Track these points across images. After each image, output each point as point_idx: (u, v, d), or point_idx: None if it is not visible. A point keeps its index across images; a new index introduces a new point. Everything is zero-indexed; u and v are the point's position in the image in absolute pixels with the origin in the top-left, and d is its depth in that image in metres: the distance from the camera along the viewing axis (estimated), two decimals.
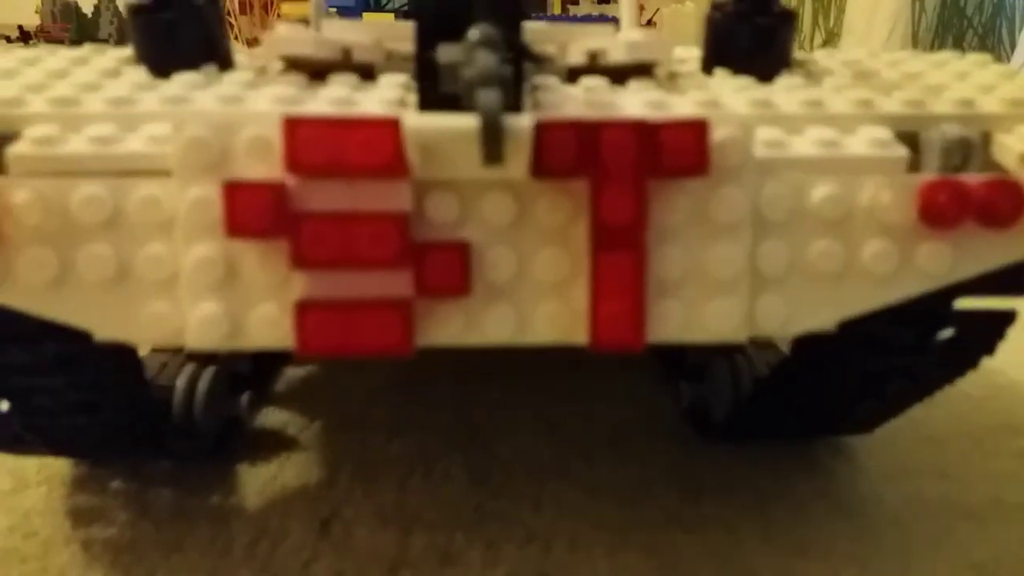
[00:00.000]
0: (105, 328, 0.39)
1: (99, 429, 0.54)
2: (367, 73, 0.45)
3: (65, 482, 0.62)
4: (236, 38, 3.37)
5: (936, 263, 0.40)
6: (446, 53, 0.38)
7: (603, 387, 0.76)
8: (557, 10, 2.65)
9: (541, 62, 0.41)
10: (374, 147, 0.35)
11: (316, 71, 0.45)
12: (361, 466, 0.65)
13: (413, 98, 0.40)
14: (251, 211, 0.36)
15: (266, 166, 0.36)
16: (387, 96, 0.41)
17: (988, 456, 0.68)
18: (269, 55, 0.45)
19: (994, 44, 2.26)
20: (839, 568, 0.54)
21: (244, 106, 0.40)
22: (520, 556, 0.55)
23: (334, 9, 1.08)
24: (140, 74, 0.44)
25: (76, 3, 3.75)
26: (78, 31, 3.99)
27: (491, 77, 0.34)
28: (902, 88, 0.44)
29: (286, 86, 0.42)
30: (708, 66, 0.47)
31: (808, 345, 0.48)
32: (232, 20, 3.33)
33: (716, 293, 0.39)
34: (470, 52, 0.36)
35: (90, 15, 3.61)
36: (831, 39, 2.91)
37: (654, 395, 0.75)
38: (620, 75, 0.45)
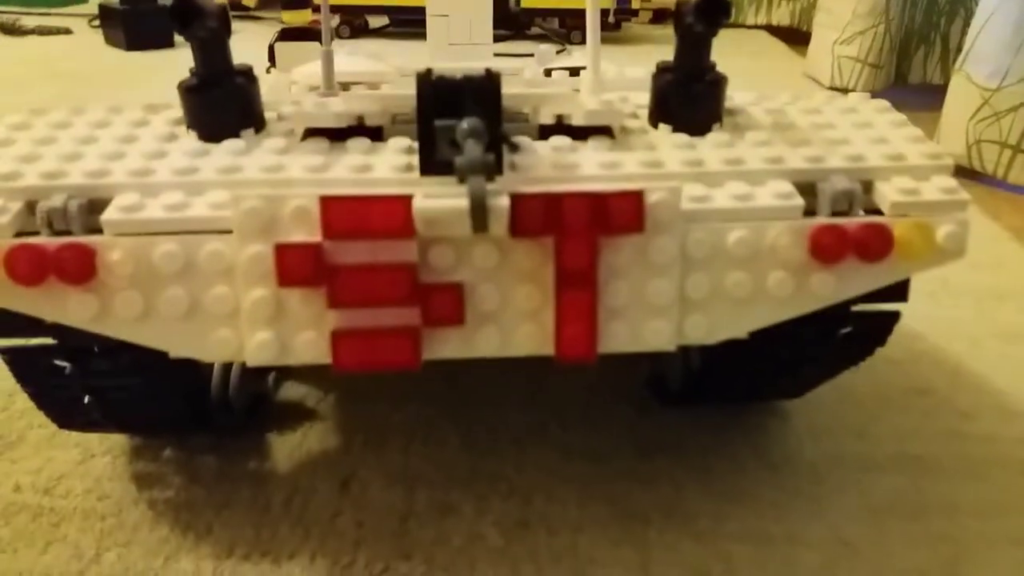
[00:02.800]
0: (179, 349, 0.51)
1: (161, 412, 0.66)
2: (376, 134, 0.55)
3: (125, 451, 0.74)
4: None
5: (824, 288, 0.52)
6: (442, 127, 0.49)
7: None
8: None
9: (517, 148, 0.51)
10: (390, 218, 0.46)
11: (335, 133, 0.55)
12: (371, 433, 0.77)
13: (416, 160, 0.51)
14: (296, 267, 0.47)
15: (306, 230, 0.47)
16: (396, 163, 0.52)
17: (897, 414, 0.81)
18: (298, 125, 0.55)
19: None
20: (762, 513, 0.67)
21: (284, 173, 0.51)
22: (505, 508, 0.68)
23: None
24: (192, 140, 0.54)
25: None
26: None
27: (477, 166, 0.45)
28: (808, 143, 0.55)
29: (313, 154, 0.52)
30: (654, 120, 0.57)
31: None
32: None
33: (653, 315, 0.50)
34: (462, 140, 0.47)
35: None
36: None
37: (619, 368, 0.86)
38: (582, 132, 0.55)
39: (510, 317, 0.50)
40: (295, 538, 0.64)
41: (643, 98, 0.60)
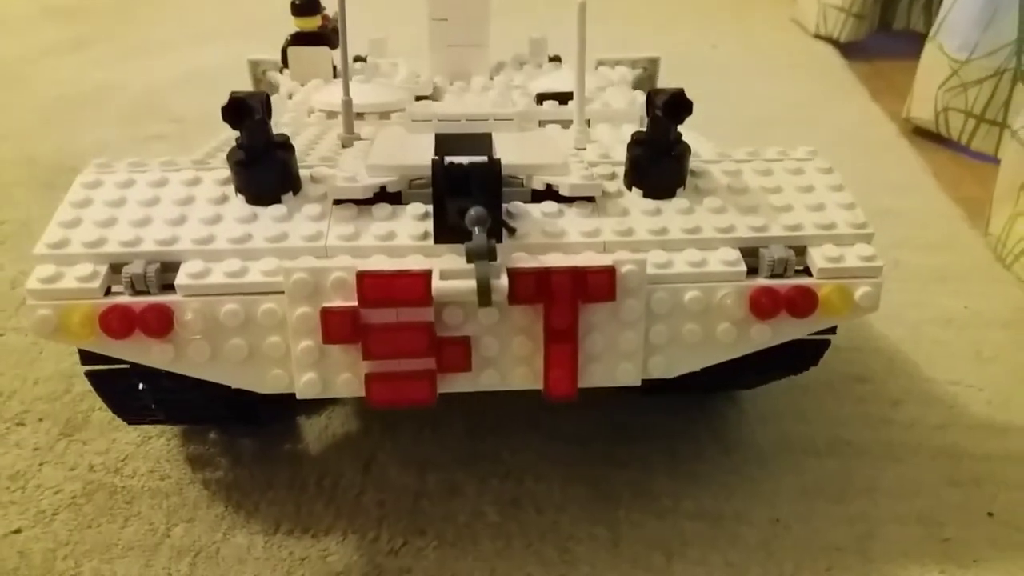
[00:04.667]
0: (240, 384, 0.63)
1: (220, 412, 0.78)
2: (395, 198, 0.66)
3: (176, 434, 0.86)
4: None
5: (762, 336, 0.64)
6: (452, 204, 0.60)
7: None
8: None
9: (514, 232, 0.62)
10: (412, 290, 0.58)
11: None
12: (386, 419, 0.89)
13: (430, 227, 0.62)
14: (337, 328, 0.59)
15: (344, 296, 0.59)
16: (414, 231, 0.63)
17: (837, 401, 0.94)
18: (329, 194, 0.65)
19: None
20: (715, 493, 0.81)
21: (322, 241, 0.62)
22: (501, 488, 0.81)
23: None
24: (241, 203, 0.65)
25: None
26: None
27: (483, 252, 0.56)
28: (756, 210, 0.66)
29: (345, 223, 0.63)
30: (628, 182, 0.68)
31: None
32: None
33: (622, 359, 0.63)
34: (470, 226, 0.58)
35: None
36: None
37: None
38: (568, 199, 0.66)
39: (508, 361, 0.62)
40: (328, 515, 0.78)
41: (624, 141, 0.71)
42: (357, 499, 0.80)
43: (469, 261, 0.57)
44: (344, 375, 0.61)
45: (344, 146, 0.76)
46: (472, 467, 0.83)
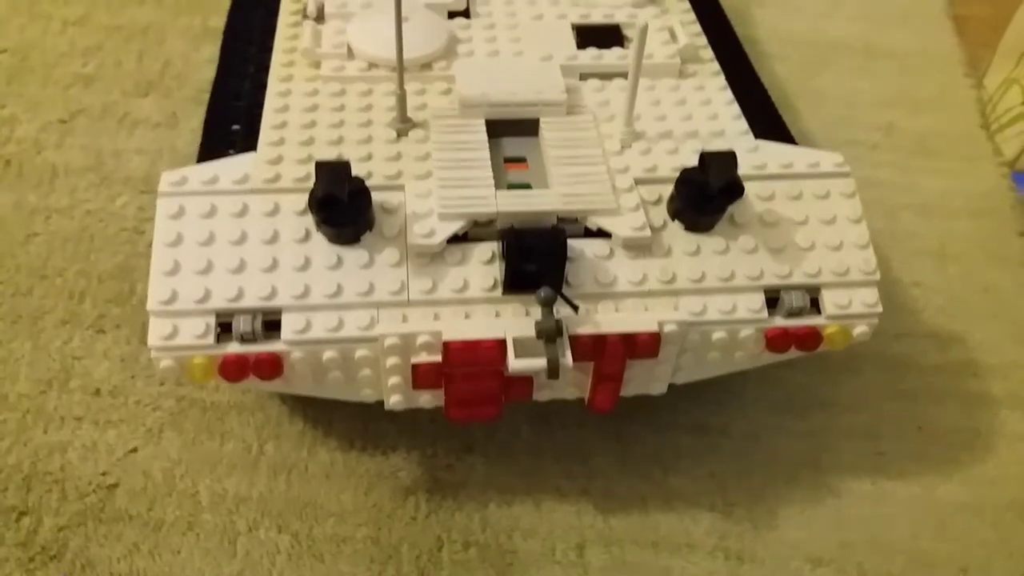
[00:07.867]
0: (338, 396, 0.75)
1: None
2: (463, 237, 0.72)
3: None
4: None
5: (769, 359, 0.77)
6: (520, 264, 0.69)
7: None
8: None
9: (576, 308, 0.70)
10: (489, 354, 0.68)
11: None
12: None
13: (497, 274, 0.71)
14: (425, 378, 0.70)
15: (430, 354, 0.69)
16: (484, 283, 0.71)
17: None
18: (411, 252, 0.71)
19: None
20: (704, 407, 0.97)
21: (404, 294, 0.70)
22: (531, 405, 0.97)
23: None
24: (324, 245, 0.71)
25: None
26: None
27: (551, 333, 0.66)
28: (782, 253, 0.74)
29: (422, 275, 0.70)
30: (671, 211, 0.75)
31: None
32: None
33: (655, 380, 0.76)
34: (540, 305, 0.67)
35: None
36: None
37: None
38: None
39: (561, 385, 0.75)
40: (392, 433, 0.93)
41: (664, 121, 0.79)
42: (414, 417, 0.94)
43: (539, 337, 0.67)
44: (426, 396, 0.74)
45: (399, 135, 0.79)
46: None
